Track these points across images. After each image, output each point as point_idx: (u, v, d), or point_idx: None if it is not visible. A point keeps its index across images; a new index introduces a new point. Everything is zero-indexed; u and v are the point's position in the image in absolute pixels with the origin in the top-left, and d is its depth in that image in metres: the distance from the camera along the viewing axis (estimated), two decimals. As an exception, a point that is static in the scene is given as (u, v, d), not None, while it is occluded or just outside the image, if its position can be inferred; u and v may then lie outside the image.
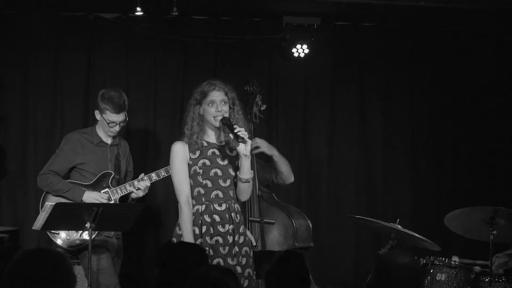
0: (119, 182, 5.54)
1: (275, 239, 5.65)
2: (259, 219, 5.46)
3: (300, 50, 6.87)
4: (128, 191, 5.47)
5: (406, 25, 7.16)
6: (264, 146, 5.64)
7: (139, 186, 5.42)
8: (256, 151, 5.52)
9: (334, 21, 7.04)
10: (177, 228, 4.67)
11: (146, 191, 5.47)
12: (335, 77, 7.17)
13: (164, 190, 6.67)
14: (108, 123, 5.46)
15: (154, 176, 5.50)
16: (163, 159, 6.39)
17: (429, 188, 7.28)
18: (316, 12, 6.72)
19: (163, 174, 5.49)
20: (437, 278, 5.67)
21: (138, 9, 5.98)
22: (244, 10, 6.78)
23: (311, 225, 5.75)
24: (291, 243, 5.60)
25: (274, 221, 5.55)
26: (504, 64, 7.30)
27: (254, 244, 5.38)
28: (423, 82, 7.29)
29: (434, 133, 7.30)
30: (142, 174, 5.49)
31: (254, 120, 5.77)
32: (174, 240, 4.64)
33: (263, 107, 5.83)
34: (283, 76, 7.09)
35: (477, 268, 5.90)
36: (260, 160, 5.87)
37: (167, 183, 6.63)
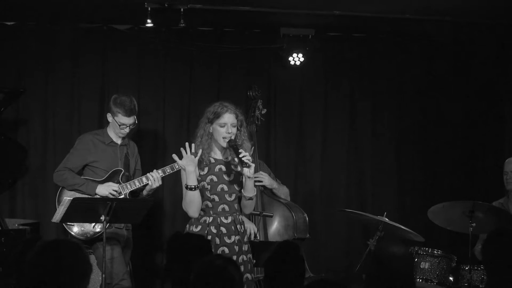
0: (128, 179, 5.52)
1: (277, 230, 5.64)
2: (258, 212, 5.45)
3: (296, 59, 6.86)
4: (137, 186, 5.45)
5: (393, 36, 7.16)
6: (266, 180, 5.69)
7: (152, 175, 5.38)
8: (259, 184, 5.58)
9: (327, 32, 7.04)
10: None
11: (160, 182, 5.41)
12: (328, 83, 7.17)
13: (171, 184, 6.65)
14: (119, 125, 5.46)
15: (160, 172, 5.48)
16: (171, 157, 6.38)
17: (414, 184, 7.27)
18: (310, 24, 6.71)
19: (168, 171, 5.45)
20: (421, 267, 5.67)
21: (149, 21, 5.98)
22: (245, 22, 6.77)
23: (307, 218, 5.75)
24: (291, 233, 5.60)
25: (272, 214, 5.54)
26: (484, 72, 7.28)
27: (253, 236, 5.38)
28: (409, 87, 7.28)
29: (419, 135, 7.29)
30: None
31: (256, 122, 5.84)
32: None
33: (264, 111, 5.88)
34: (280, 82, 7.09)
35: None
36: (260, 161, 5.88)
37: (175, 178, 6.64)
